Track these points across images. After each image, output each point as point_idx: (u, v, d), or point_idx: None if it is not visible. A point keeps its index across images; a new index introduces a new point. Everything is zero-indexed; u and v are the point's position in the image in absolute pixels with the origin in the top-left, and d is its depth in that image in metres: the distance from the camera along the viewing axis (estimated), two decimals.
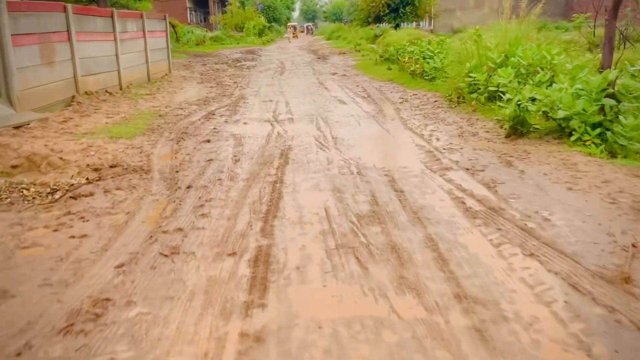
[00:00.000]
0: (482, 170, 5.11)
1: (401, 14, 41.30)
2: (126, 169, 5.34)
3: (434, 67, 11.65)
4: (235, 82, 14.17)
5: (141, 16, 13.47)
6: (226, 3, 54.12)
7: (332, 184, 4.82)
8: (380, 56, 17.42)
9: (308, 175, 5.13)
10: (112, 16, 11.37)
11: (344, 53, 27.15)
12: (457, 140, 6.54)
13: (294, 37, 50.74)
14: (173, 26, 36.56)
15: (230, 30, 46.03)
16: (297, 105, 9.82)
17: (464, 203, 4.18)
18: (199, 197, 4.45)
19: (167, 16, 15.75)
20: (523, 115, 6.31)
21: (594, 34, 13.03)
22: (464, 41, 10.43)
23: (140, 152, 6.09)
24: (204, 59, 24.65)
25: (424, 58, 12.60)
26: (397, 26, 42.46)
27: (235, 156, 5.94)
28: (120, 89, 11.59)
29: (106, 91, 10.74)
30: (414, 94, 10.66)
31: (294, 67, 19.01)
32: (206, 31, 41.95)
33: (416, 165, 5.40)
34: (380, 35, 36.46)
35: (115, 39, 11.48)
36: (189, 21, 49.09)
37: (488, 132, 6.87)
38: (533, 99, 6.99)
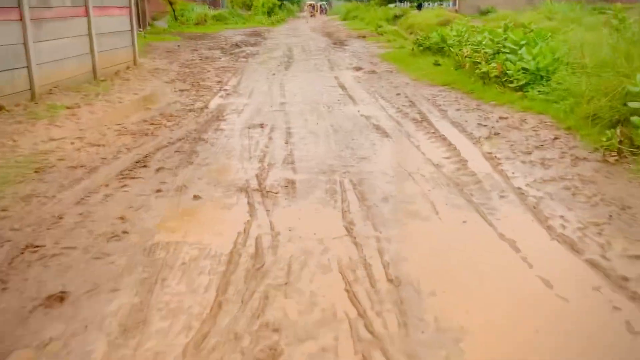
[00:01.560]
0: None
1: None
2: None
3: (524, 68, 7.31)
4: (219, 82, 9.94)
5: None
6: None
7: None
8: (419, 44, 13.02)
9: None
10: None
11: (364, 37, 22.68)
12: None
13: (311, 16, 45.83)
14: (170, 2, 32.39)
15: (238, 9, 41.67)
16: (305, 140, 5.59)
17: None
18: None
19: None
20: None
21: None
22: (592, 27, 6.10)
23: None
24: (198, 42, 20.44)
25: (498, 52, 8.25)
26: (419, 6, 38.12)
27: None
28: (33, 97, 7.41)
29: None
30: (501, 117, 6.34)
31: (304, 57, 14.68)
32: (208, 8, 37.57)
33: None
34: (401, 15, 32.04)
35: (22, 19, 7.26)
36: None
37: None
38: None
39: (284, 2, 53.96)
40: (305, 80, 10.13)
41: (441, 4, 40.24)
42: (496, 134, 5.62)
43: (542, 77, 7.11)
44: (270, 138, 5.68)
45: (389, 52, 14.98)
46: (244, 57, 15.00)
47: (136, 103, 7.70)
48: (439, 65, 10.58)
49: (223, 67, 12.29)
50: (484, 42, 8.62)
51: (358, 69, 11.60)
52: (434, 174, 4.41)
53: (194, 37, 23.29)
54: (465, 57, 8.88)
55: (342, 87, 9.18)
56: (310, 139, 5.60)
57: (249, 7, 43.09)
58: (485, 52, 8.37)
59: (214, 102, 7.81)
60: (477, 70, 8.24)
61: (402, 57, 12.96)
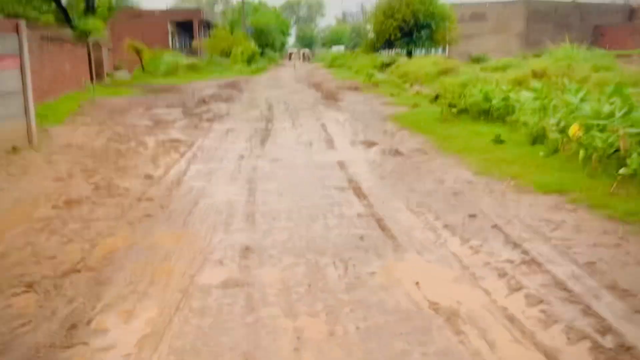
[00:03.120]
0: None
1: (415, 39, 34.79)
2: None
3: None
4: (149, 177, 5.91)
5: None
6: (211, 26, 47.15)
7: None
8: (452, 105, 9.20)
9: None
10: None
11: (357, 88, 19.04)
12: None
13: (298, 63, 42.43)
14: (138, 51, 28.85)
15: (217, 57, 38.50)
16: None
17: None
18: None
19: (22, 24, 7.45)
20: None
21: None
22: None
23: None
24: (160, 96, 16.65)
25: None
26: (409, 53, 35.48)
27: None
28: None
29: None
30: None
31: (289, 121, 10.79)
32: (181, 57, 34.08)
33: None
34: (391, 63, 28.84)
35: None
36: (171, 47, 41.59)
37: None
38: None
39: (266, 50, 51.02)
40: (291, 173, 6.11)
41: (429, 51, 37.74)
42: None
43: None
44: None
45: (402, 112, 11.17)
46: (208, 119, 11.09)
47: None
48: (502, 142, 6.69)
49: (171, 141, 8.29)
50: (616, 114, 4.70)
51: (370, 144, 7.68)
52: None
53: (159, 89, 19.47)
54: (578, 138, 4.96)
55: (357, 191, 5.18)
56: None
57: (228, 55, 39.98)
58: (625, 132, 4.45)
59: (107, 247, 3.71)
60: (621, 172, 4.28)
61: (429, 123, 9.08)
